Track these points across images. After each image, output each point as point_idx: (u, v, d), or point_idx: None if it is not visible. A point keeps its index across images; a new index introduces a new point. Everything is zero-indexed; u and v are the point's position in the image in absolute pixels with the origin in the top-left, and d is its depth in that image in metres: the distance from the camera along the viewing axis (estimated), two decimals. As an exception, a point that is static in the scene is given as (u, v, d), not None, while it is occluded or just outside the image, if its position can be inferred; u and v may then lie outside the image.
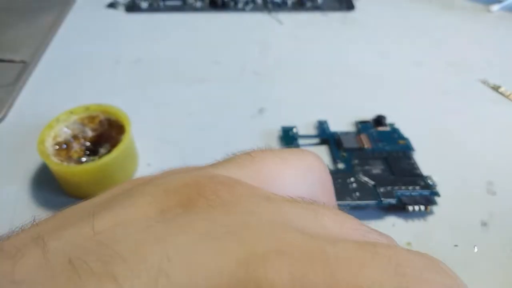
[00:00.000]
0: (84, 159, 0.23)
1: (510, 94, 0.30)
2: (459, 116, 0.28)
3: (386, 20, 0.39)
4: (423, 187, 0.23)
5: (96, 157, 0.23)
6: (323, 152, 0.26)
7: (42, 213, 0.23)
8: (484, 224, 0.22)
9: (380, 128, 0.27)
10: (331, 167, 0.24)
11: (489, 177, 0.24)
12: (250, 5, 0.41)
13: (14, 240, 0.08)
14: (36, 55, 0.34)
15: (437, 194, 0.23)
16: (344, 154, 0.25)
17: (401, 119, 0.28)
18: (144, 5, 0.41)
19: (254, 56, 0.34)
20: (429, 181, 0.23)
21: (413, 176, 0.23)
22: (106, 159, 0.21)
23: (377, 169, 0.24)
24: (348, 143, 0.25)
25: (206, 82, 0.32)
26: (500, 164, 0.25)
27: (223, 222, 0.08)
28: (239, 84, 0.31)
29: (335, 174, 0.23)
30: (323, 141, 0.26)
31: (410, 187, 0.23)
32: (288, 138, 0.26)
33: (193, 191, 0.08)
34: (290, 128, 0.27)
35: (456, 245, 0.21)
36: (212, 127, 0.28)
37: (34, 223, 0.09)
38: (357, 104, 0.29)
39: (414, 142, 0.26)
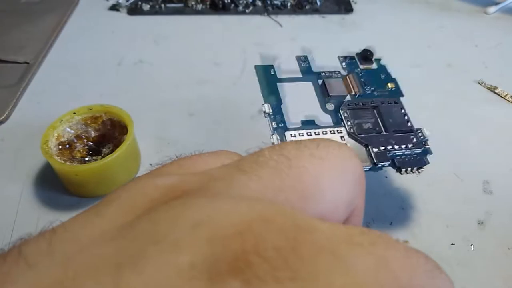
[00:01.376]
0: (87, 159, 0.24)
1: (506, 95, 0.30)
2: (456, 116, 0.29)
3: (384, 22, 0.40)
4: (415, 145, 0.20)
5: (99, 157, 0.23)
6: (307, 90, 0.22)
7: (45, 212, 0.23)
8: (480, 223, 0.22)
9: (366, 66, 0.24)
10: (320, 119, 0.21)
11: (485, 176, 0.25)
12: (250, 8, 0.41)
13: None
14: (39, 56, 0.35)
15: (429, 151, 0.21)
16: (332, 103, 0.22)
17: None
18: (146, 7, 0.41)
19: (254, 57, 0.35)
20: (420, 135, 0.21)
21: (406, 131, 0.21)
22: (109, 159, 0.22)
23: (368, 122, 0.21)
24: (334, 90, 0.22)
25: (207, 83, 0.32)
26: (497, 164, 0.25)
27: None
28: (239, 85, 0.32)
29: (323, 130, 0.20)
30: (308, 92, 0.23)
31: (403, 146, 0.20)
32: (268, 82, 0.22)
33: (249, 247, 0.06)
34: (268, 67, 0.23)
35: (453, 244, 0.21)
36: (213, 127, 0.28)
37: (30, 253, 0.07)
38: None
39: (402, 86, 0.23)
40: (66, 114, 0.24)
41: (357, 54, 0.24)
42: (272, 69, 0.22)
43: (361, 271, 0.06)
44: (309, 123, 0.21)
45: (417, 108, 0.29)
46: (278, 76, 0.22)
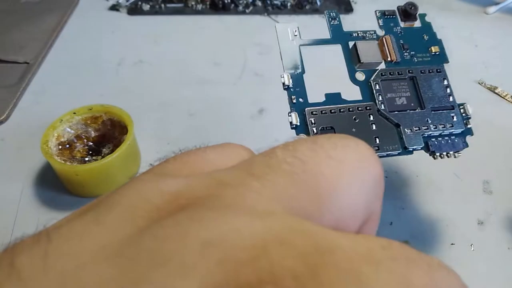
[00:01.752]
0: (87, 159, 0.24)
1: (506, 95, 0.30)
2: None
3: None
4: (455, 125, 0.18)
5: (99, 157, 0.23)
6: (336, 55, 0.19)
7: (45, 212, 0.23)
8: (480, 223, 0.22)
9: (408, 24, 0.20)
10: (347, 93, 0.18)
11: (485, 176, 0.25)
12: (250, 8, 0.41)
13: None
14: (39, 56, 0.35)
15: (470, 132, 0.19)
16: (362, 72, 0.18)
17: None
18: (146, 7, 0.41)
19: (254, 57, 0.35)
20: (463, 111, 0.19)
21: (446, 108, 0.18)
22: (109, 159, 0.22)
23: (402, 97, 0.18)
24: (367, 56, 0.19)
25: (207, 83, 0.32)
26: (497, 164, 0.25)
27: None
28: (239, 85, 0.32)
29: (350, 111, 0.17)
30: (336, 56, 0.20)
31: (441, 126, 0.18)
32: (288, 46, 0.19)
33: (264, 275, 0.06)
34: (293, 26, 0.19)
35: (452, 244, 0.21)
36: (213, 127, 0.28)
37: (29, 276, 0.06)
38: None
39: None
40: (66, 114, 0.24)
41: (398, 7, 0.21)
42: (296, 30, 0.19)
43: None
44: (334, 98, 0.18)
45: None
46: (302, 37, 0.19)
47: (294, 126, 0.17)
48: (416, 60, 0.19)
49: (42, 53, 0.35)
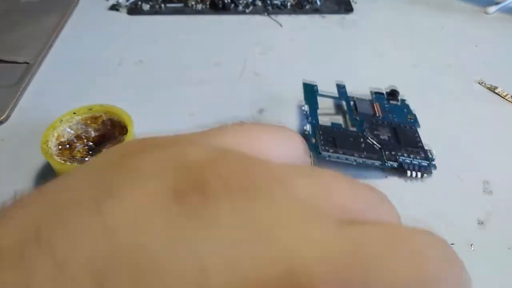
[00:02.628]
0: (87, 159, 0.24)
1: (506, 95, 0.30)
2: (456, 116, 0.29)
3: (385, 22, 0.40)
4: (423, 158, 0.25)
5: (99, 157, 0.23)
6: (339, 112, 0.30)
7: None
8: (480, 223, 0.22)
9: (393, 102, 0.29)
10: (344, 125, 0.28)
11: (485, 176, 0.25)
12: (250, 8, 0.41)
13: (9, 233, 0.07)
14: (39, 56, 0.35)
15: (434, 166, 0.25)
16: (357, 118, 0.27)
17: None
18: (146, 7, 0.41)
19: (254, 57, 0.35)
20: (429, 153, 0.25)
21: (416, 147, 0.25)
22: (109, 158, 0.22)
23: (385, 135, 0.26)
24: (362, 108, 0.28)
25: (207, 83, 0.32)
26: (497, 164, 0.25)
27: (251, 216, 0.07)
28: (240, 85, 0.32)
29: (348, 133, 0.26)
30: (339, 109, 0.30)
31: (412, 156, 0.25)
32: (311, 93, 0.29)
33: (208, 172, 0.07)
34: (312, 85, 0.29)
35: (452, 244, 0.21)
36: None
37: (19, 199, 0.08)
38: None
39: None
40: (66, 114, 0.24)
41: (386, 92, 0.30)
42: (316, 87, 0.30)
43: (302, 193, 0.08)
44: (336, 125, 0.27)
45: (416, 108, 0.29)
46: (320, 92, 0.29)
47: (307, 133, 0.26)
48: (396, 120, 0.28)
49: (42, 53, 0.35)
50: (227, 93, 0.31)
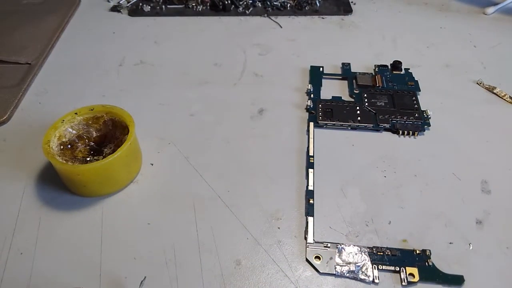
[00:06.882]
0: (88, 158, 0.24)
1: (505, 95, 0.31)
2: (454, 116, 0.29)
3: (383, 23, 0.40)
4: (417, 118, 0.27)
5: (101, 157, 0.23)
6: (344, 86, 0.32)
7: (47, 212, 0.23)
8: (478, 222, 0.22)
9: (396, 72, 0.32)
10: (346, 99, 0.30)
11: (484, 176, 0.25)
12: (250, 9, 0.42)
13: None
14: (41, 57, 0.35)
15: (428, 124, 0.27)
16: (357, 89, 0.31)
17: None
18: (147, 9, 0.42)
19: (254, 58, 0.35)
20: (424, 114, 0.27)
21: (412, 109, 0.28)
22: (110, 158, 0.22)
23: (381, 102, 0.29)
24: (362, 81, 0.31)
25: (207, 83, 0.32)
26: (495, 164, 0.26)
27: None
28: (240, 85, 0.32)
29: (345, 103, 0.29)
30: (343, 85, 0.32)
31: (405, 117, 0.28)
32: (316, 74, 0.33)
33: None
34: (318, 67, 0.33)
35: (451, 243, 0.21)
36: (213, 127, 0.28)
37: None
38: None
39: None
40: (68, 114, 0.25)
41: (390, 64, 0.33)
42: (322, 68, 0.34)
43: None
44: (336, 98, 0.30)
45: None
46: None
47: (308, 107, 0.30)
48: (396, 88, 0.31)
49: (43, 54, 0.35)
50: (227, 93, 0.31)
